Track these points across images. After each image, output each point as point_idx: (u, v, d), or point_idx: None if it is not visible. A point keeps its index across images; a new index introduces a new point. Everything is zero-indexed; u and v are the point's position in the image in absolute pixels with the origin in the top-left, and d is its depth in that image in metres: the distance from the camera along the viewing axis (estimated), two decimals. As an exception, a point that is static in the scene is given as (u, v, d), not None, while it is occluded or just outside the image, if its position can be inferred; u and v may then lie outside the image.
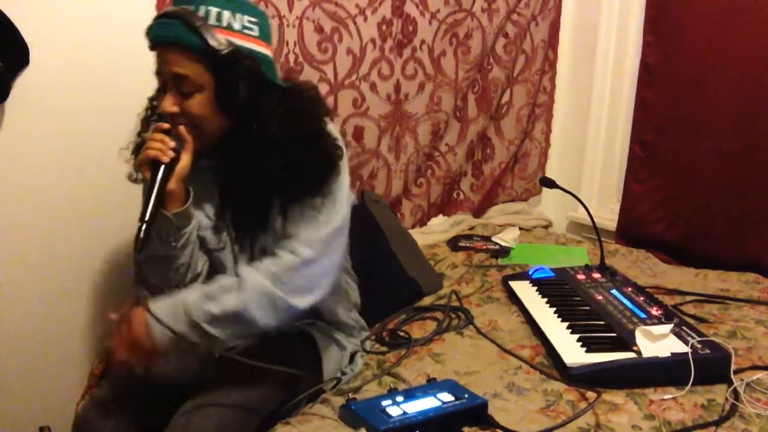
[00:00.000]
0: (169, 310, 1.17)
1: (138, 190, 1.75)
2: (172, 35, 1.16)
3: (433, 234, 2.41)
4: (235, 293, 1.19)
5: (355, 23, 2.06)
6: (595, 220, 1.96)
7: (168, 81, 1.20)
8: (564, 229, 2.74)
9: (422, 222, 2.49)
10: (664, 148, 2.34)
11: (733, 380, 1.29)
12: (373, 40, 2.13)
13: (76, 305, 1.73)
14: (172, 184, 1.21)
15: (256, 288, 1.19)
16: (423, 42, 2.27)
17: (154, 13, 1.67)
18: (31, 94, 1.54)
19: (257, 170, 1.22)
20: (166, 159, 1.19)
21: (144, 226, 1.16)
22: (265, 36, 1.24)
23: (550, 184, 1.96)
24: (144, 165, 1.21)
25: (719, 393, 1.29)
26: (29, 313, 1.66)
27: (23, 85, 1.52)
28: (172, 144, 1.20)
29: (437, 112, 2.38)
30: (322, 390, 1.38)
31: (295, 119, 1.23)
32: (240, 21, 1.19)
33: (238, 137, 1.23)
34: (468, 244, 2.32)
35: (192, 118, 1.21)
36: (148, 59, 1.69)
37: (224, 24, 1.17)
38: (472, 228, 2.51)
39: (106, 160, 1.69)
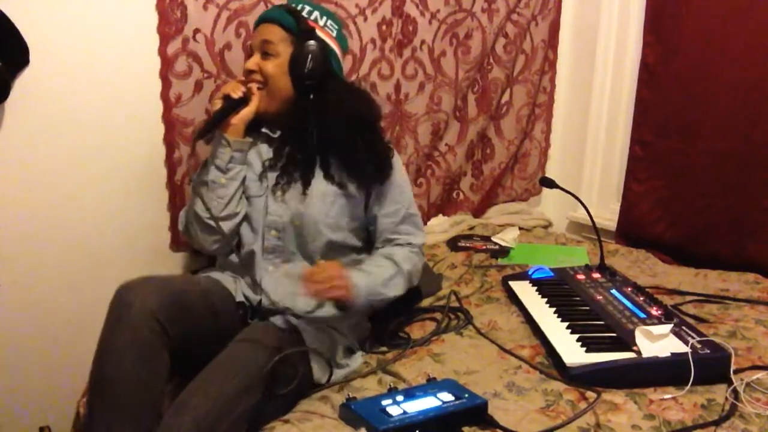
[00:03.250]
0: (365, 288, 1.47)
1: (137, 188, 1.77)
2: (274, 16, 1.54)
3: (432, 234, 2.40)
4: (398, 281, 1.55)
5: (355, 23, 2.06)
6: (595, 220, 1.96)
7: (257, 48, 1.54)
8: (564, 229, 2.74)
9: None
10: (664, 149, 2.34)
11: (733, 380, 1.30)
12: (373, 40, 2.13)
13: (76, 305, 1.73)
14: (235, 120, 1.50)
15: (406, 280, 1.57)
16: (423, 42, 2.26)
17: (154, 13, 1.69)
18: (31, 94, 1.54)
19: (308, 135, 1.52)
20: (234, 95, 1.50)
21: (206, 126, 1.50)
22: (340, 38, 1.59)
23: (550, 184, 1.96)
24: (218, 98, 1.52)
25: (719, 393, 1.29)
26: (29, 313, 1.66)
27: (23, 85, 1.52)
28: (243, 88, 1.52)
29: (437, 112, 2.38)
30: (319, 384, 1.39)
31: (349, 104, 1.52)
32: (324, 21, 1.55)
33: (299, 109, 1.52)
34: (468, 244, 2.32)
35: (265, 75, 1.51)
36: (148, 59, 1.71)
37: (312, 18, 1.54)
38: (471, 228, 2.51)
39: (106, 158, 1.70)
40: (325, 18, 1.56)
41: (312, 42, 1.49)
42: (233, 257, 1.55)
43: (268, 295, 1.48)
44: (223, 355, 1.35)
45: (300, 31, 1.50)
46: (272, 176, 1.55)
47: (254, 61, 1.53)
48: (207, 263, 1.77)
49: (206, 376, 1.28)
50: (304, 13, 1.53)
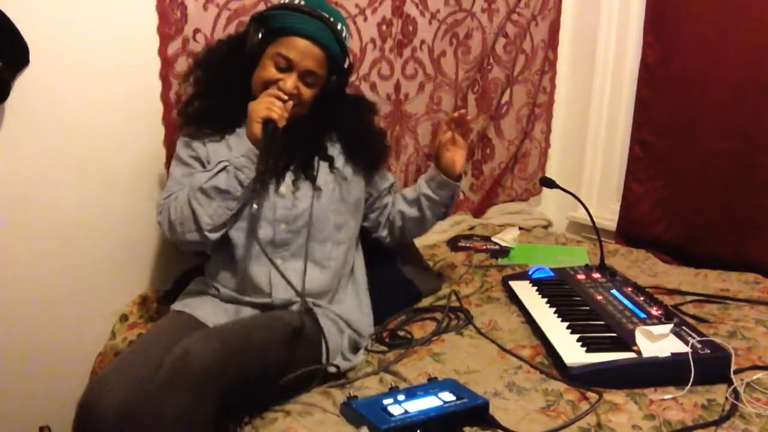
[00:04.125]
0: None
1: (137, 189, 1.76)
2: (326, 41, 1.48)
3: (432, 234, 2.40)
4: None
5: (355, 23, 2.06)
6: (595, 220, 1.96)
7: (296, 67, 1.47)
8: (564, 229, 2.75)
9: (422, 222, 2.49)
10: (664, 148, 2.34)
11: (733, 380, 1.30)
12: (373, 40, 2.13)
13: (76, 305, 1.73)
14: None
15: None
16: (423, 42, 2.27)
17: (154, 14, 1.69)
18: (31, 94, 1.54)
19: (315, 136, 1.58)
20: (281, 124, 1.42)
21: (264, 163, 1.39)
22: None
23: (550, 184, 1.96)
24: (260, 121, 1.41)
25: (719, 393, 1.29)
26: (29, 313, 1.66)
27: (23, 85, 1.52)
28: (286, 114, 1.44)
29: (437, 112, 2.38)
30: (321, 370, 1.39)
31: (355, 110, 1.63)
32: (347, 37, 1.55)
33: (311, 120, 1.55)
34: (468, 244, 2.32)
35: (301, 101, 1.49)
36: (148, 59, 1.71)
37: (347, 42, 1.54)
38: (471, 228, 2.51)
39: (106, 159, 1.70)
40: (347, 33, 1.55)
41: (347, 76, 1.58)
42: (234, 258, 1.54)
43: (287, 278, 1.43)
44: (251, 316, 1.45)
45: (342, 63, 1.53)
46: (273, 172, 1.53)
47: (295, 83, 1.47)
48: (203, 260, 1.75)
49: (237, 320, 1.40)
50: (343, 35, 1.52)
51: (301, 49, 1.46)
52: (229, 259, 1.55)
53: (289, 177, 1.54)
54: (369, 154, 1.64)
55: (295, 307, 1.50)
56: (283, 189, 1.53)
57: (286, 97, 1.45)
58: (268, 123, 1.40)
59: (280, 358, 1.32)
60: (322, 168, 1.56)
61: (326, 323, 1.48)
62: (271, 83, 1.47)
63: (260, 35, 1.48)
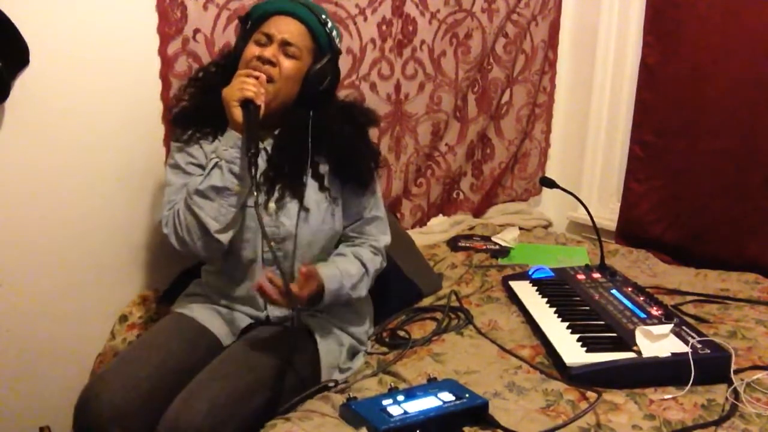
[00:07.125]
0: (333, 289, 1.43)
1: (137, 189, 1.76)
2: (306, 17, 1.46)
3: (432, 234, 2.41)
4: (364, 283, 1.52)
5: (355, 23, 2.06)
6: (595, 220, 1.96)
7: (276, 40, 1.43)
8: (564, 229, 2.74)
9: (422, 222, 2.49)
10: (664, 148, 2.34)
11: (733, 380, 1.30)
12: (373, 40, 2.13)
13: (76, 305, 1.73)
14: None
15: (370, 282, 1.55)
16: (423, 42, 2.26)
17: (154, 13, 1.69)
18: (31, 94, 1.54)
19: (303, 146, 1.47)
20: (259, 101, 1.36)
21: (253, 143, 1.32)
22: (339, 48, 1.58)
23: (550, 184, 1.96)
24: (237, 104, 1.35)
25: (719, 393, 1.29)
26: (29, 312, 1.66)
27: (23, 85, 1.52)
28: (262, 90, 1.38)
29: (437, 112, 2.38)
30: (320, 388, 1.39)
31: (346, 118, 1.52)
32: (337, 37, 1.52)
33: (294, 119, 1.48)
34: (468, 244, 2.32)
35: (282, 74, 1.43)
36: (148, 59, 1.70)
37: (333, 33, 1.50)
38: (472, 228, 2.51)
39: (106, 159, 1.70)
40: (336, 33, 1.51)
41: (332, 62, 1.48)
42: (225, 270, 1.52)
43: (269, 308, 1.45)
44: (236, 349, 1.38)
45: (328, 48, 1.48)
46: (262, 187, 1.47)
47: (274, 52, 1.42)
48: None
49: (220, 367, 1.31)
50: (328, 23, 1.48)
51: (279, 22, 1.44)
52: (224, 271, 1.52)
53: (277, 193, 1.46)
54: (355, 175, 1.52)
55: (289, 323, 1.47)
56: (271, 205, 1.46)
57: (257, 73, 1.38)
58: (246, 104, 1.35)
59: (273, 393, 1.30)
60: (312, 187, 1.49)
61: (325, 338, 1.46)
62: (252, 60, 1.42)
63: (245, 28, 1.48)
